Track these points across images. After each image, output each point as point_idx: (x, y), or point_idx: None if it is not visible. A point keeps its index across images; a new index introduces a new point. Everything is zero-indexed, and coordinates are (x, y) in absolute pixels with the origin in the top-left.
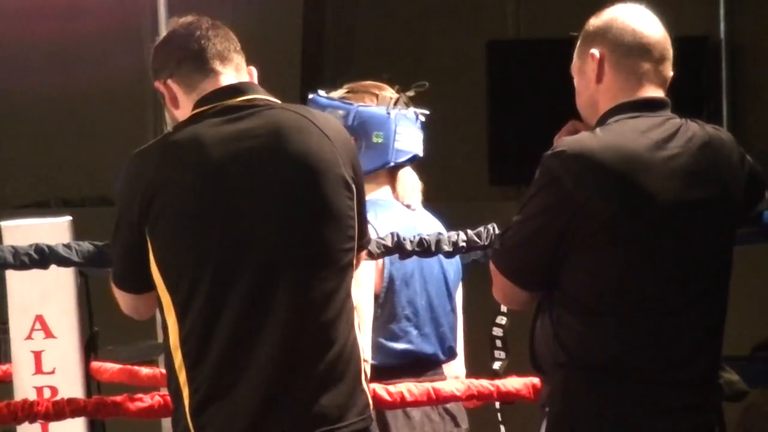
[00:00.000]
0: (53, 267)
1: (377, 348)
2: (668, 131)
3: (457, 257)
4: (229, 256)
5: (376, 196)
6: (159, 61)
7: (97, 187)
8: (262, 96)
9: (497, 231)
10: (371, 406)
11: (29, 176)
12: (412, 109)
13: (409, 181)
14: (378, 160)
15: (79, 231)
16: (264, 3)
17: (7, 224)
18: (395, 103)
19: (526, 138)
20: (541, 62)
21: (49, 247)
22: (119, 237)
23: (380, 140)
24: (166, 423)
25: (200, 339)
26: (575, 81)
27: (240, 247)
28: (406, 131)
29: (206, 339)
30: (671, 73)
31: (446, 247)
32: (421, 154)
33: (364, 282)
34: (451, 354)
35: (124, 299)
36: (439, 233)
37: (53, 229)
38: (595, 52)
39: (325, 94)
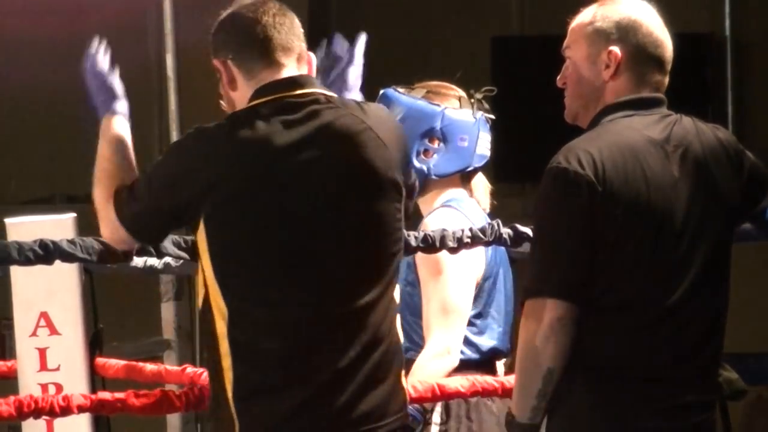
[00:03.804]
0: (58, 263)
1: (464, 342)
2: (664, 129)
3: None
4: (286, 257)
5: (453, 195)
6: (220, 40)
7: None
8: (320, 90)
9: (502, 227)
10: (407, 403)
11: (34, 172)
12: (482, 113)
13: (482, 183)
14: (461, 162)
15: (83, 227)
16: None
17: (12, 221)
18: (475, 107)
19: (531, 134)
20: (546, 58)
21: (53, 242)
22: (156, 194)
23: (465, 144)
24: (171, 419)
25: (250, 331)
26: (571, 65)
27: (297, 248)
28: (484, 135)
29: (257, 332)
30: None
31: (451, 243)
32: (488, 156)
33: (462, 279)
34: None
35: (119, 236)
36: (444, 229)
37: (58, 226)
38: (616, 50)
39: (405, 92)
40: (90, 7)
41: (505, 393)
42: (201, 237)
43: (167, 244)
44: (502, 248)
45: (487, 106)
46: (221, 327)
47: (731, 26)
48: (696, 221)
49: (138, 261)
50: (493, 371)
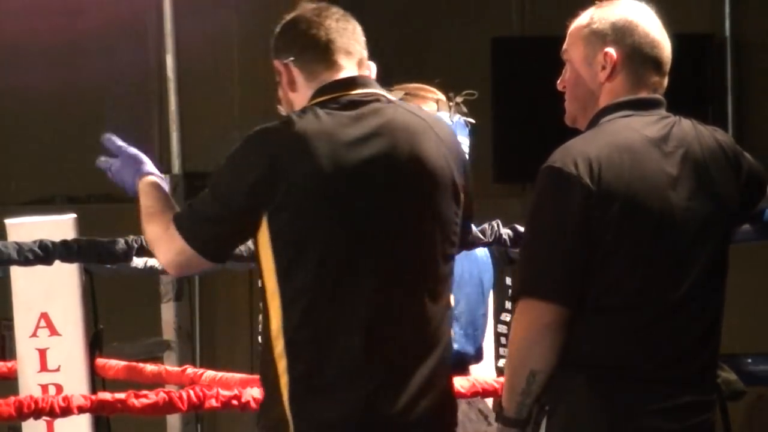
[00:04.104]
0: (58, 264)
1: None
2: (662, 130)
3: (492, 260)
4: (350, 254)
5: None
6: (283, 42)
7: (102, 185)
8: (381, 91)
9: (501, 227)
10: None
11: (34, 173)
12: (461, 117)
13: None
14: None
15: (83, 228)
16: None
17: (12, 222)
18: (452, 110)
19: (530, 135)
20: (546, 59)
21: (53, 243)
22: (223, 200)
23: None
24: (171, 419)
25: (310, 329)
26: (570, 67)
27: (360, 247)
28: (463, 139)
29: (316, 330)
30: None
31: None
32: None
33: None
34: (479, 356)
35: (184, 258)
36: None
37: (58, 227)
38: (612, 52)
39: None
40: (90, 8)
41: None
42: (263, 234)
43: None
44: (475, 251)
45: (465, 109)
46: (277, 325)
47: (731, 27)
48: (694, 222)
49: (138, 262)
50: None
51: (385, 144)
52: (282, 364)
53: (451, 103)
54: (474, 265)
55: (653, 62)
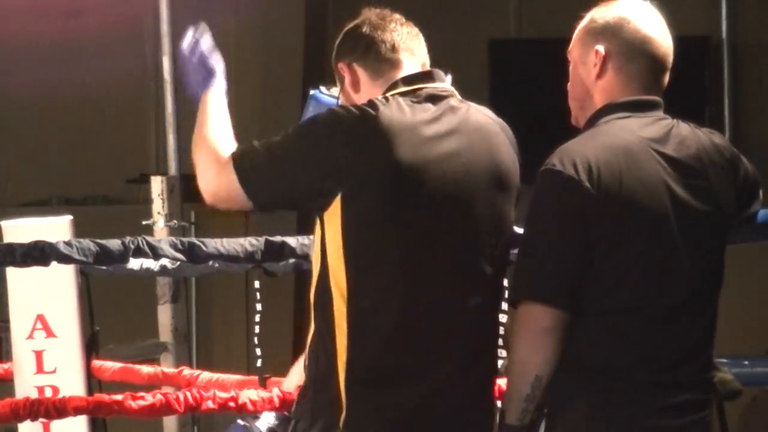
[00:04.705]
0: (54, 266)
1: None
2: (659, 131)
3: None
4: (420, 250)
5: None
6: (347, 45)
7: (99, 186)
8: (452, 89)
9: None
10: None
11: (30, 175)
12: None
13: None
14: None
15: (79, 230)
16: (266, 2)
17: (8, 224)
18: None
19: (527, 137)
20: (543, 61)
21: (50, 244)
22: (294, 163)
23: None
24: (168, 421)
25: (373, 315)
26: (571, 67)
27: (432, 243)
28: None
29: (379, 317)
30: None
31: None
32: None
33: None
34: None
35: (230, 192)
36: None
37: (54, 229)
38: (601, 49)
39: (328, 91)
40: (88, 10)
41: (502, 394)
42: (335, 215)
43: (164, 245)
44: None
45: None
46: (340, 307)
47: (728, 29)
48: (692, 225)
49: (134, 263)
50: None
51: (463, 143)
52: (342, 343)
53: None
54: None
55: (646, 58)
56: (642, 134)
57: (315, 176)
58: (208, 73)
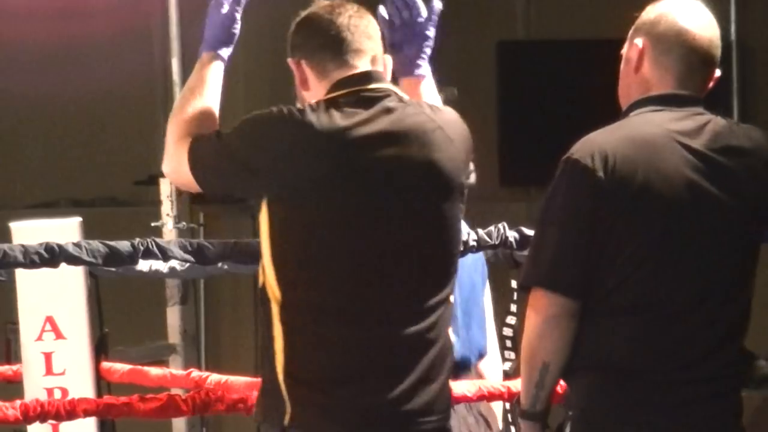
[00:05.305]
0: (63, 268)
1: None
2: (692, 125)
3: (482, 261)
4: (348, 253)
5: None
6: (295, 41)
7: (107, 188)
8: (393, 88)
9: (507, 230)
10: (451, 404)
11: (39, 176)
12: None
13: None
14: None
15: (88, 232)
16: (273, 5)
17: (17, 225)
18: None
19: (536, 139)
20: (551, 63)
21: (59, 245)
22: (229, 157)
23: None
24: (177, 423)
25: (306, 319)
26: (622, 61)
27: (360, 246)
28: None
29: (313, 320)
30: (716, 75)
31: None
32: None
33: None
34: (480, 355)
35: (179, 172)
36: None
37: (63, 230)
38: (639, 42)
39: None
40: (96, 12)
41: (511, 397)
42: (264, 218)
43: (173, 247)
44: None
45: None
46: (275, 310)
47: (737, 31)
48: (716, 221)
49: (143, 265)
50: (454, 377)
51: (392, 145)
52: (279, 345)
53: None
54: (462, 266)
55: (680, 49)
56: (670, 127)
57: (242, 176)
58: (227, 38)
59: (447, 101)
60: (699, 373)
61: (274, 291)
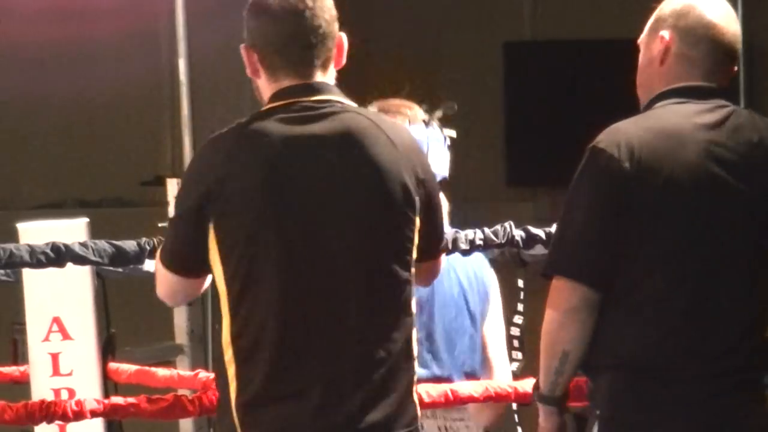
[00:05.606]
0: (70, 268)
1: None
2: (715, 118)
3: (484, 280)
4: (286, 260)
5: None
6: (248, 26)
7: (114, 189)
8: (337, 97)
9: (514, 229)
10: (419, 418)
11: (45, 177)
12: (439, 130)
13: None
14: None
15: (95, 232)
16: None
17: (24, 226)
18: (426, 124)
19: (542, 139)
20: (557, 64)
21: (65, 245)
22: (176, 217)
23: None
24: (184, 424)
25: (251, 340)
26: (640, 54)
27: (297, 251)
28: (436, 153)
29: (257, 341)
30: (735, 70)
31: (463, 245)
32: (447, 176)
33: None
34: (470, 376)
35: (166, 281)
36: (457, 231)
37: (70, 231)
38: (665, 35)
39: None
40: (103, 12)
41: (518, 398)
42: (212, 240)
43: None
44: (458, 272)
45: (438, 124)
46: (226, 334)
47: (743, 30)
48: (738, 212)
49: (150, 265)
50: None
51: (331, 153)
52: (231, 372)
53: (424, 118)
54: (453, 283)
55: (707, 43)
56: (695, 120)
57: (194, 215)
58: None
59: (446, 116)
60: (724, 366)
61: (225, 313)
